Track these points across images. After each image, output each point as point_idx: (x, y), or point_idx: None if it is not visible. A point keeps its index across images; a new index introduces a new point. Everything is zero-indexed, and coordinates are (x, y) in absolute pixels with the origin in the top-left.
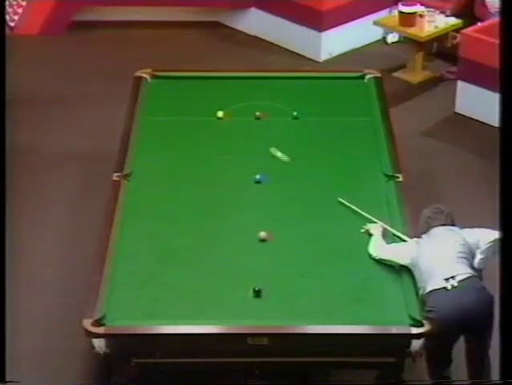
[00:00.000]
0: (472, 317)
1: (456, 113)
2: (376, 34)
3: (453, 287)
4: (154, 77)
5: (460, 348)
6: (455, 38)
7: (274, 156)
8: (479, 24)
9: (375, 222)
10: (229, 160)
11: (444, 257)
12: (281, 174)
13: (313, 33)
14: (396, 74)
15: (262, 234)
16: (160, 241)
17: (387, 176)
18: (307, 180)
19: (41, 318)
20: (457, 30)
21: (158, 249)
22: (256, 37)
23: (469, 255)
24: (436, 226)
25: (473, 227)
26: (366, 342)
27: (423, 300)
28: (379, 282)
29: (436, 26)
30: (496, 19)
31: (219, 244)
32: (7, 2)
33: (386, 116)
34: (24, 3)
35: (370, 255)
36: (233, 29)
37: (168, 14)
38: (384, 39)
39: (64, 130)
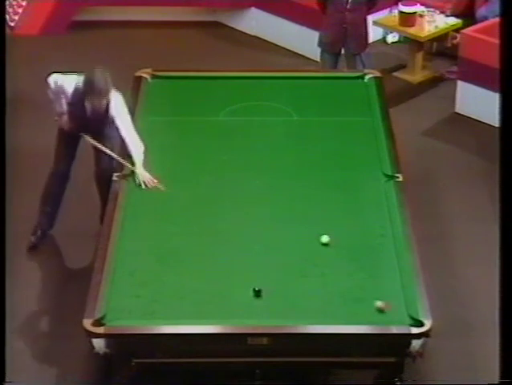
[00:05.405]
0: None
1: (456, 113)
2: (376, 34)
3: None
4: (154, 77)
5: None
6: (455, 38)
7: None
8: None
9: None
10: (229, 160)
11: None
12: (281, 174)
13: (313, 33)
14: (396, 74)
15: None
16: (160, 241)
17: (387, 176)
18: (307, 180)
19: (41, 318)
20: (457, 30)
21: (158, 249)
22: (256, 37)
23: None
24: None
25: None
26: (366, 342)
27: None
28: (380, 282)
29: (436, 26)
30: (496, 19)
31: (219, 244)
32: (7, 2)
33: (386, 116)
34: (24, 3)
35: None
36: (233, 29)
37: (168, 14)
38: (384, 39)
39: None
